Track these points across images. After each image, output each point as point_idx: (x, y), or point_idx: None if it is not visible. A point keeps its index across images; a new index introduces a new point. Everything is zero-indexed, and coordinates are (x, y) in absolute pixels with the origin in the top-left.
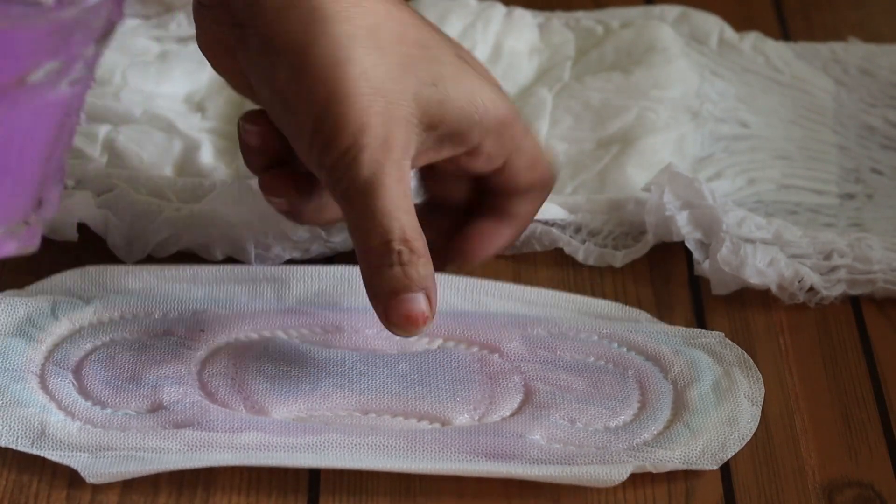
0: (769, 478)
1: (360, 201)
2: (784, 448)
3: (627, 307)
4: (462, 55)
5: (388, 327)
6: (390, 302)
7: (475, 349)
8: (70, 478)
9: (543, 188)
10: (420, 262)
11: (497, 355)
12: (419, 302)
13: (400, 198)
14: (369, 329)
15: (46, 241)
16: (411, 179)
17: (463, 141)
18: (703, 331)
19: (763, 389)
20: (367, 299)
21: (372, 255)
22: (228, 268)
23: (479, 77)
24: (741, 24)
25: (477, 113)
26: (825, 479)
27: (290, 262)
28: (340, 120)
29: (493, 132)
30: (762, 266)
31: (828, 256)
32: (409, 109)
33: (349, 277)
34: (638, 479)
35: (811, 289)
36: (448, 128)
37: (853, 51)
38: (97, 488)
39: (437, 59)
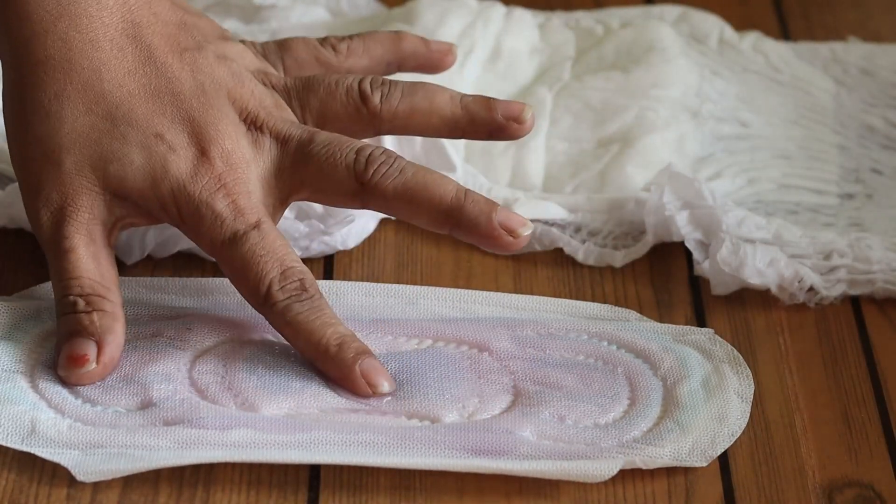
0: (769, 478)
1: (49, 259)
2: (784, 448)
3: (616, 308)
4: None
5: (58, 372)
6: (61, 345)
7: (465, 348)
8: (70, 478)
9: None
10: (95, 314)
11: (486, 354)
12: (83, 346)
13: (83, 259)
14: (359, 331)
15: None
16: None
17: (144, 214)
18: (693, 328)
19: (753, 386)
20: (354, 311)
21: (58, 306)
22: (217, 280)
23: (159, 150)
24: (741, 24)
25: (158, 195)
26: (825, 479)
27: None
28: (21, 181)
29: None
30: (762, 266)
31: (828, 256)
32: (89, 180)
33: (336, 290)
34: (638, 478)
35: (811, 289)
36: (136, 200)
37: (853, 51)
38: (97, 488)
39: (124, 137)
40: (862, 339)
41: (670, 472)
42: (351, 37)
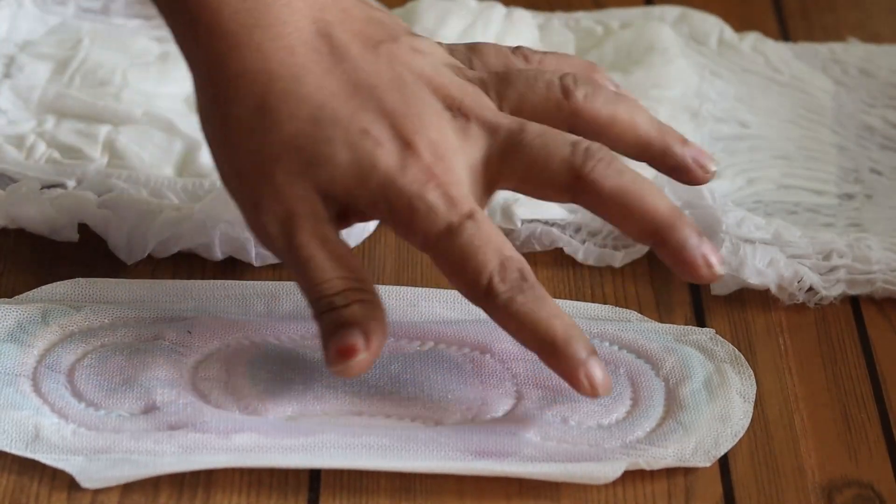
0: (769, 477)
1: (291, 269)
2: (784, 448)
3: (618, 308)
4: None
5: (329, 369)
6: (327, 343)
7: (467, 350)
8: (71, 479)
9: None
10: (354, 305)
11: (489, 356)
12: (350, 337)
13: (324, 263)
14: None
15: (47, 242)
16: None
17: (356, 211)
18: (695, 328)
19: (755, 386)
20: None
21: (313, 309)
22: (219, 283)
23: (369, 143)
24: (741, 24)
25: (367, 192)
26: (825, 478)
27: None
28: (236, 197)
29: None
30: (762, 266)
31: (827, 256)
32: (303, 187)
33: None
34: (638, 479)
35: (811, 289)
36: (347, 199)
37: (852, 51)
38: (98, 489)
39: (329, 139)
40: (862, 340)
41: (670, 472)
42: (545, 52)
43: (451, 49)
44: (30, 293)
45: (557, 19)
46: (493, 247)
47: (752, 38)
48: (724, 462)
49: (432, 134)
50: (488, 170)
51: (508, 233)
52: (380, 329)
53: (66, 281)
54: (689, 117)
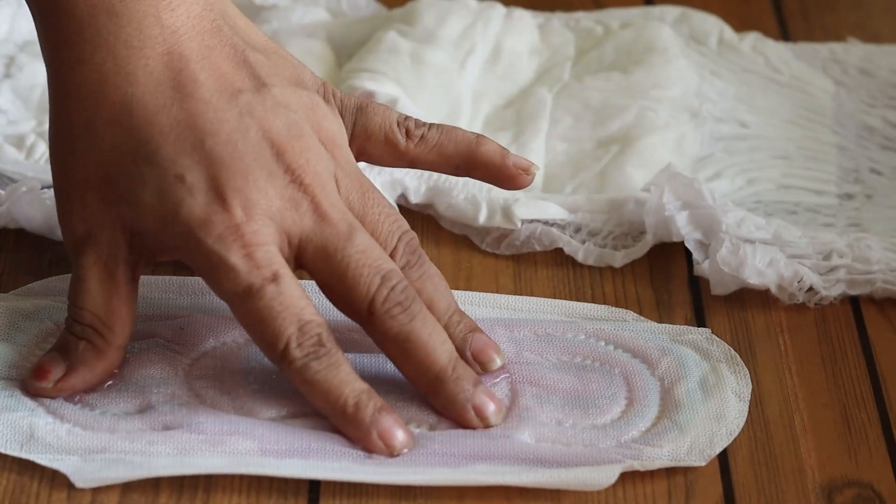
0: (769, 477)
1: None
2: (784, 448)
3: (614, 308)
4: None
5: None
6: (46, 354)
7: None
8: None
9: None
10: (82, 344)
11: None
12: (54, 363)
13: (92, 292)
14: (356, 333)
15: (47, 242)
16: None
17: (168, 252)
18: (690, 327)
19: (750, 385)
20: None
21: (65, 322)
22: None
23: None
24: (741, 24)
25: (170, 238)
26: (825, 478)
27: None
28: (56, 199)
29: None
30: (762, 266)
31: (827, 256)
32: (110, 217)
33: None
34: (637, 479)
35: (810, 289)
36: (152, 240)
37: (852, 51)
38: (98, 489)
39: (142, 177)
40: (861, 340)
41: (670, 471)
42: (431, 125)
43: (342, 101)
44: (22, 289)
45: (557, 19)
46: (292, 312)
47: (752, 38)
48: (723, 462)
49: (253, 194)
50: (302, 251)
51: (508, 233)
52: (82, 378)
53: (59, 276)
54: (689, 117)
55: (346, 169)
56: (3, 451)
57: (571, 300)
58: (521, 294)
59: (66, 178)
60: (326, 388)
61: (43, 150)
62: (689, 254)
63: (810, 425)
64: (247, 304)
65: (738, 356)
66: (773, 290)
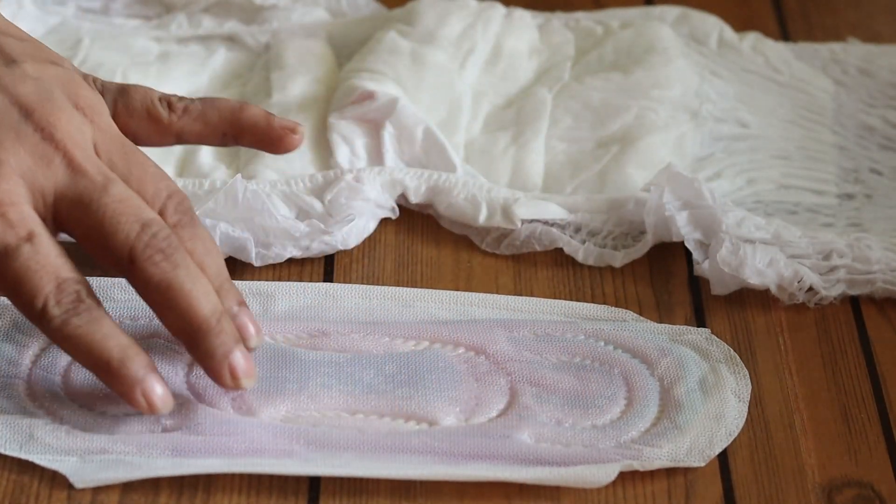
0: (769, 477)
1: None
2: (784, 448)
3: (614, 308)
4: None
5: None
6: None
7: (461, 350)
8: None
9: None
10: None
11: (483, 357)
12: None
13: None
14: (356, 333)
15: None
16: None
17: None
18: (690, 328)
19: (749, 385)
20: (351, 314)
21: None
22: None
23: None
24: (741, 24)
25: None
26: (825, 478)
27: (290, 261)
28: None
29: None
30: (761, 266)
31: (827, 256)
32: None
33: (334, 294)
34: (638, 478)
35: (810, 289)
36: None
37: (852, 51)
38: (98, 489)
39: None
40: (861, 339)
41: (670, 471)
42: (194, 98)
43: (104, 86)
44: None
45: (557, 19)
46: (49, 270)
47: (752, 38)
48: (724, 462)
49: (1, 154)
50: (57, 208)
51: (508, 233)
52: None
53: None
54: (689, 117)
55: (106, 133)
56: (2, 451)
57: (571, 300)
58: (521, 294)
59: None
60: (88, 342)
61: None
62: (689, 254)
63: (810, 425)
64: (3, 266)
65: (737, 357)
66: (773, 290)
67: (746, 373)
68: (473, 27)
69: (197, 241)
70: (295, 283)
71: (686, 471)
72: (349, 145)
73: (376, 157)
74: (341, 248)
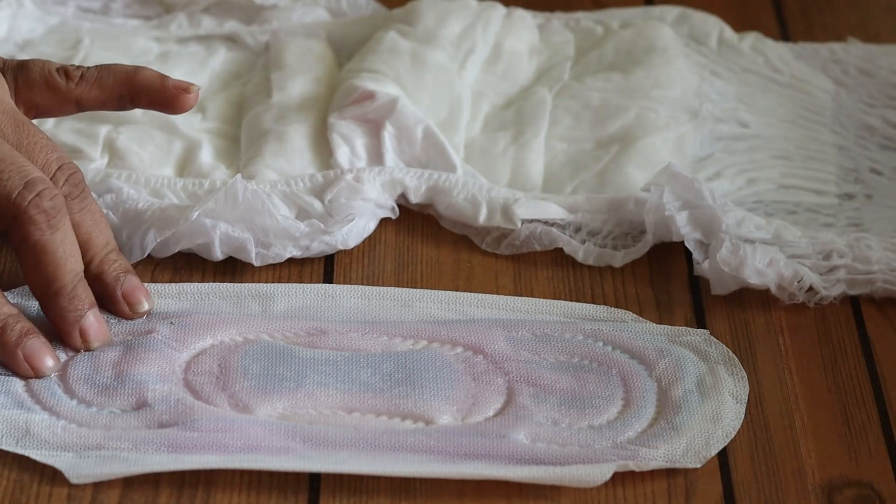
0: (769, 477)
1: None
2: (784, 448)
3: (613, 309)
4: None
5: None
6: None
7: (459, 349)
8: None
9: None
10: None
11: (481, 356)
12: None
13: None
14: (354, 332)
15: None
16: None
17: None
18: (689, 329)
19: (748, 387)
20: (350, 314)
21: None
22: (214, 285)
23: None
24: (741, 24)
25: None
26: (825, 478)
27: (290, 260)
28: None
29: None
30: (761, 266)
31: (827, 256)
32: None
33: (332, 294)
34: (637, 478)
35: (810, 289)
36: None
37: (852, 51)
38: (98, 487)
39: None
40: (862, 339)
41: (670, 471)
42: (89, 67)
43: (4, 64)
44: (22, 288)
45: (557, 19)
46: None
47: (752, 38)
48: (723, 462)
49: None
50: None
51: (508, 233)
52: None
53: None
54: (689, 117)
55: None
56: None
57: (571, 300)
58: (520, 294)
59: None
60: None
61: None
62: (689, 254)
63: (810, 425)
64: None
65: (735, 358)
66: (773, 290)
67: (744, 374)
68: (473, 27)
69: (86, 214)
70: (294, 285)
71: (686, 471)
72: (349, 145)
73: (376, 157)
74: (341, 248)
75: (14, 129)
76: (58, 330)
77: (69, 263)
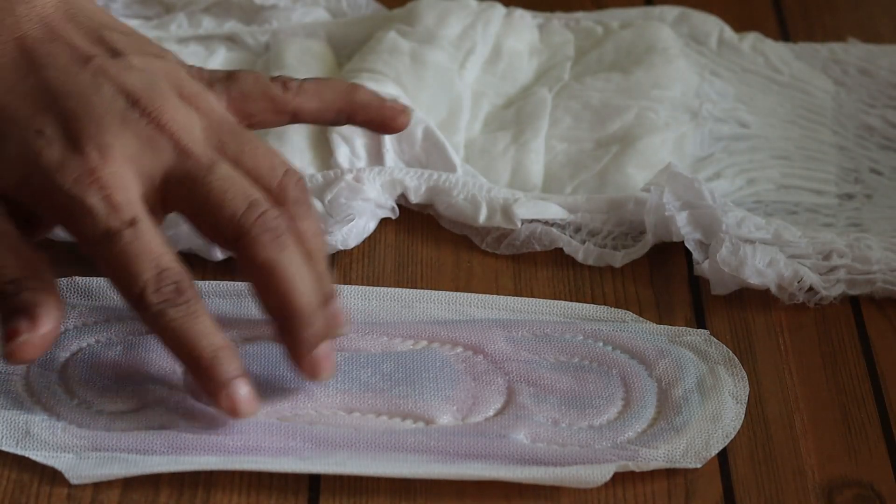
0: (769, 478)
1: None
2: (784, 448)
3: (613, 309)
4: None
5: (3, 354)
6: (3, 327)
7: (459, 349)
8: None
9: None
10: (23, 293)
11: (481, 356)
12: (13, 322)
13: None
14: (354, 332)
15: (47, 241)
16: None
17: (37, 210)
18: (689, 329)
19: (748, 388)
20: (351, 314)
21: None
22: (214, 283)
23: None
24: (741, 24)
25: (32, 189)
26: (825, 478)
27: None
28: None
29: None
30: (761, 266)
31: (827, 256)
32: None
33: None
34: (637, 479)
35: (810, 289)
36: (17, 197)
37: (852, 51)
38: (98, 488)
39: (4, 136)
40: (861, 340)
41: (670, 471)
42: (306, 78)
43: (211, 77)
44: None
45: (557, 19)
46: (150, 257)
47: (752, 38)
48: (723, 462)
49: (107, 139)
50: (166, 189)
51: (508, 233)
52: (48, 314)
53: (61, 279)
54: (689, 117)
55: (212, 117)
56: None
57: (571, 300)
58: (520, 294)
59: None
60: (182, 336)
61: None
62: (689, 254)
63: (810, 425)
64: (105, 249)
65: (735, 358)
66: (773, 290)
67: (745, 375)
68: (473, 27)
69: (310, 223)
70: None
71: (686, 471)
72: (349, 145)
73: (376, 157)
74: (341, 248)
75: (233, 138)
76: (291, 355)
77: (302, 285)
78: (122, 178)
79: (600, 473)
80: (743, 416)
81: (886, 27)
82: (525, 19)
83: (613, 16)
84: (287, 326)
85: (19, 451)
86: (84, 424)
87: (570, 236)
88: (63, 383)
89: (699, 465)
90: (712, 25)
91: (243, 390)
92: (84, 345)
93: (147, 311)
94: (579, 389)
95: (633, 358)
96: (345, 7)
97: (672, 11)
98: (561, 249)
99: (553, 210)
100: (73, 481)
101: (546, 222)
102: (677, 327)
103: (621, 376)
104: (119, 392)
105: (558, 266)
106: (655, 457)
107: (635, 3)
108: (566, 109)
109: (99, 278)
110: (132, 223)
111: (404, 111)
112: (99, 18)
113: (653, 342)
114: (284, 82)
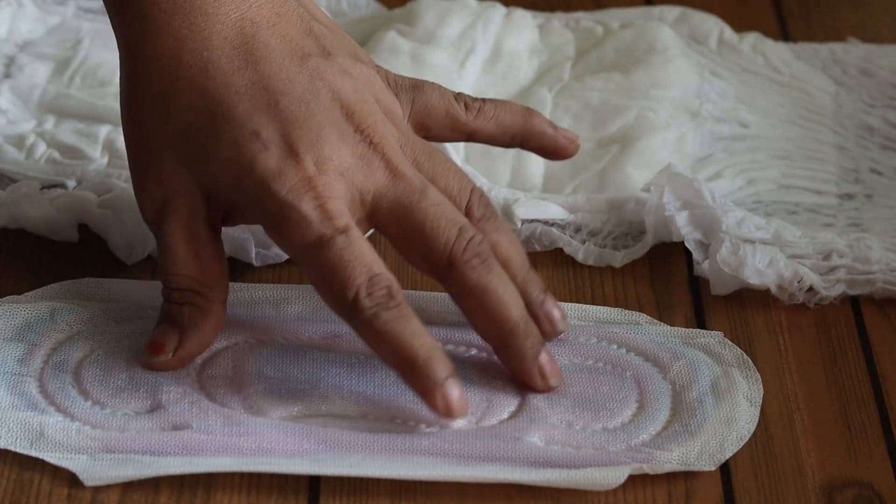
0: (769, 478)
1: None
2: (784, 448)
3: (626, 311)
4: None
5: (142, 356)
6: (153, 331)
7: (473, 352)
8: (71, 477)
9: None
10: (186, 307)
11: (495, 358)
12: (165, 335)
13: (181, 256)
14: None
15: (47, 242)
16: None
17: (239, 213)
18: (703, 331)
19: (762, 390)
20: None
21: (163, 294)
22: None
23: (256, 149)
24: (741, 24)
25: (243, 193)
26: (825, 479)
27: (291, 260)
28: (131, 174)
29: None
30: (761, 266)
31: (827, 257)
32: (186, 178)
33: None
34: (638, 480)
35: (810, 289)
36: (226, 198)
37: (852, 51)
38: (98, 488)
39: (218, 135)
40: (862, 340)
41: (670, 472)
42: (484, 99)
43: (397, 83)
44: (37, 291)
45: (557, 19)
46: (363, 262)
47: (752, 38)
48: (724, 463)
49: (325, 150)
50: (375, 207)
51: None
52: (197, 339)
53: (74, 280)
54: (689, 117)
55: (406, 134)
56: (13, 448)
57: (571, 301)
58: None
59: (141, 144)
60: (396, 338)
61: (43, 149)
62: (689, 254)
63: (810, 425)
64: (317, 255)
65: (749, 360)
66: (773, 290)
67: (759, 377)
68: (473, 27)
69: (501, 234)
70: (309, 287)
71: (686, 472)
72: None
73: None
74: None
75: (427, 158)
76: (515, 369)
77: (512, 301)
78: (335, 189)
79: (615, 476)
80: (757, 419)
81: (886, 27)
82: (525, 19)
83: (613, 16)
84: (505, 344)
85: (33, 453)
86: (98, 426)
87: (570, 236)
88: (77, 384)
89: (713, 468)
90: (712, 25)
91: (456, 391)
92: (97, 345)
93: (360, 315)
94: (593, 392)
95: (647, 360)
96: (345, 7)
97: (672, 11)
98: (561, 249)
99: (553, 210)
100: (88, 483)
101: (546, 222)
102: (691, 329)
103: (635, 379)
104: (133, 393)
105: (558, 266)
106: (670, 459)
107: (635, 3)
108: (566, 109)
109: (113, 280)
110: (344, 230)
111: (575, 140)
112: (305, 3)
113: (667, 344)
114: (466, 102)
